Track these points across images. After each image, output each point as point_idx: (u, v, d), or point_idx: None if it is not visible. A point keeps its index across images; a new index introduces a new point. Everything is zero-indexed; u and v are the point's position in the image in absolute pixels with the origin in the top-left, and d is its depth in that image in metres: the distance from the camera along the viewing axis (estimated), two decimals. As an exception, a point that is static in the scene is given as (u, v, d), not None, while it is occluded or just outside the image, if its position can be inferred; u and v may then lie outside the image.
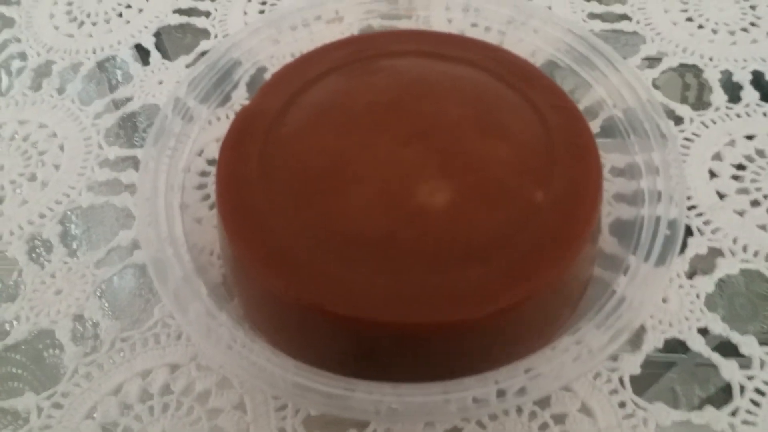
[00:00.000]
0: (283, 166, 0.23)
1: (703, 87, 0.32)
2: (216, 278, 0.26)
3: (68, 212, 0.30)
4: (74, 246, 0.29)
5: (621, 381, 0.24)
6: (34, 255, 0.28)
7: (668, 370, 0.26)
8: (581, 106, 0.28)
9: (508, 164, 0.22)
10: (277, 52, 0.31)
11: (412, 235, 0.21)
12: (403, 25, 0.32)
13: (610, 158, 0.30)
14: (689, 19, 0.35)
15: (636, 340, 0.25)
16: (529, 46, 0.29)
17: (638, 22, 0.35)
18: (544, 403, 0.24)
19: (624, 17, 0.35)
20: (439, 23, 0.31)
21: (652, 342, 0.25)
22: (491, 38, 0.30)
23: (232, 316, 0.24)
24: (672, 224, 0.22)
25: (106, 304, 0.27)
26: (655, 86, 0.32)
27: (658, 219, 0.23)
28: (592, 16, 0.35)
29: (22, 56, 0.36)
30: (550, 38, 0.28)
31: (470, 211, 0.21)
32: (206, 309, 0.22)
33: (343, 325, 0.20)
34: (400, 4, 0.32)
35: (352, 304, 0.20)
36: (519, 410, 0.24)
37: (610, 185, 0.29)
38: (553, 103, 0.24)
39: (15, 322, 0.26)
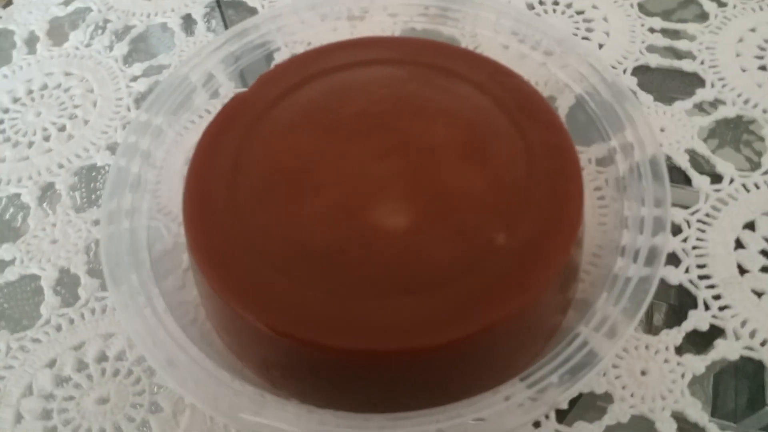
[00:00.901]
0: (256, 163, 0.22)
1: (757, 146, 0.29)
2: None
3: (83, 167, 0.31)
4: (80, 201, 0.30)
5: (571, 450, 0.22)
6: (44, 203, 0.30)
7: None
8: (596, 154, 0.26)
9: (479, 198, 0.21)
10: (314, 39, 0.30)
11: (360, 255, 0.20)
12: (448, 31, 0.31)
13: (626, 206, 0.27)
14: (762, 68, 0.31)
15: (599, 409, 0.23)
16: (560, 81, 0.27)
17: (702, 63, 0.31)
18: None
19: (688, 55, 0.32)
20: (483, 38, 0.30)
21: (617, 415, 0.23)
22: (528, 64, 0.28)
23: (192, 301, 0.25)
24: (642, 283, 0.20)
25: (92, 262, 0.28)
26: (701, 136, 0.29)
27: (628, 279, 0.21)
28: (652, 49, 0.32)
29: (85, 11, 0.37)
30: (580, 78, 0.26)
31: (425, 240, 0.20)
32: (153, 310, 0.21)
33: (273, 339, 0.20)
34: (450, 14, 0.31)
35: (283, 317, 0.19)
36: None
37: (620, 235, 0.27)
38: (551, 143, 0.22)
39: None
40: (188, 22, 0.36)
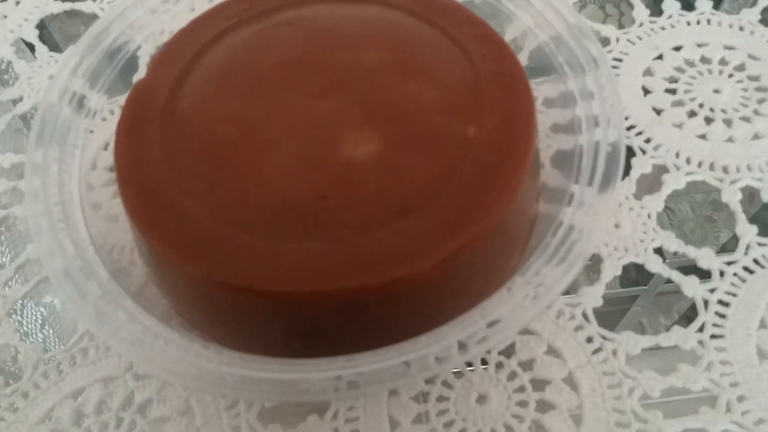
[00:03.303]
0: (189, 142, 0.20)
1: (624, 4, 0.31)
2: (140, 278, 0.24)
3: (-35, 233, 0.27)
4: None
5: (585, 316, 0.23)
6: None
7: (631, 305, 0.25)
8: (506, 38, 0.27)
9: (435, 104, 0.21)
10: (174, 25, 0.28)
11: (342, 194, 0.19)
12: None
13: (541, 90, 0.28)
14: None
15: (594, 271, 0.24)
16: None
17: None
18: (509, 351, 0.23)
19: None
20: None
21: (611, 270, 0.24)
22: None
23: (161, 317, 0.22)
24: (612, 146, 0.21)
25: (23, 327, 0.24)
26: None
27: (597, 144, 0.21)
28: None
29: None
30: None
31: (401, 159, 0.20)
32: (130, 316, 0.19)
33: (278, 303, 0.18)
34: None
35: (283, 278, 0.18)
36: (484, 363, 0.22)
37: (546, 117, 0.28)
38: (475, 34, 0.22)
39: None
40: (23, 47, 0.32)
